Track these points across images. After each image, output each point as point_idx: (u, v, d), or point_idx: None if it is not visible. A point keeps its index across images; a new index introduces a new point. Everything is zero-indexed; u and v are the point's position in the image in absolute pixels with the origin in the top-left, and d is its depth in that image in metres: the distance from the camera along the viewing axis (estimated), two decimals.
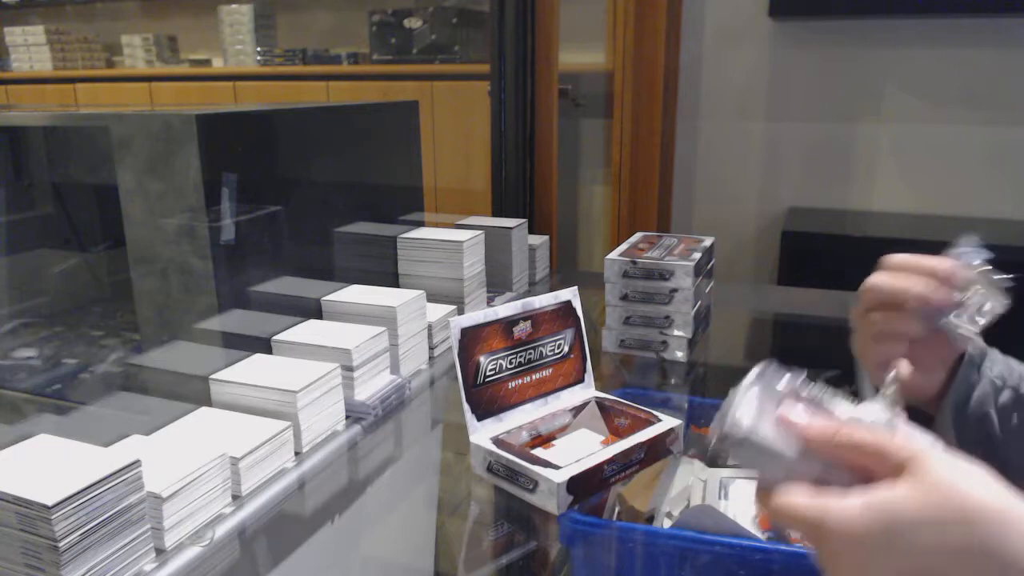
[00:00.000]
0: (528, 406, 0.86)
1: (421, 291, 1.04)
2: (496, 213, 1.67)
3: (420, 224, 1.29)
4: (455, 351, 0.80)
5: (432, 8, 2.94)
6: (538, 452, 0.82)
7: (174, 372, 0.93)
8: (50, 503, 0.54)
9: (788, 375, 0.48)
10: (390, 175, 1.28)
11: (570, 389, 0.90)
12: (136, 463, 0.61)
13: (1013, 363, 0.67)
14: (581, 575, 0.75)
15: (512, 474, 0.76)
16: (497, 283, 1.34)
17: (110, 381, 1.04)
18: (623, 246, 1.19)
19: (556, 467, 0.74)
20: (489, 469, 0.79)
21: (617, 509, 0.77)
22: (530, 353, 0.86)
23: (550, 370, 0.88)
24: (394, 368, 0.99)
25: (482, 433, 0.81)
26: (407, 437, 0.97)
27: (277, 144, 1.01)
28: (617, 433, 0.86)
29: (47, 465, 0.60)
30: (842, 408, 0.48)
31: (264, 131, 0.99)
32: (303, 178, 1.06)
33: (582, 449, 0.83)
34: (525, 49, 1.60)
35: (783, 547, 0.68)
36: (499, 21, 1.57)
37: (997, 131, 2.17)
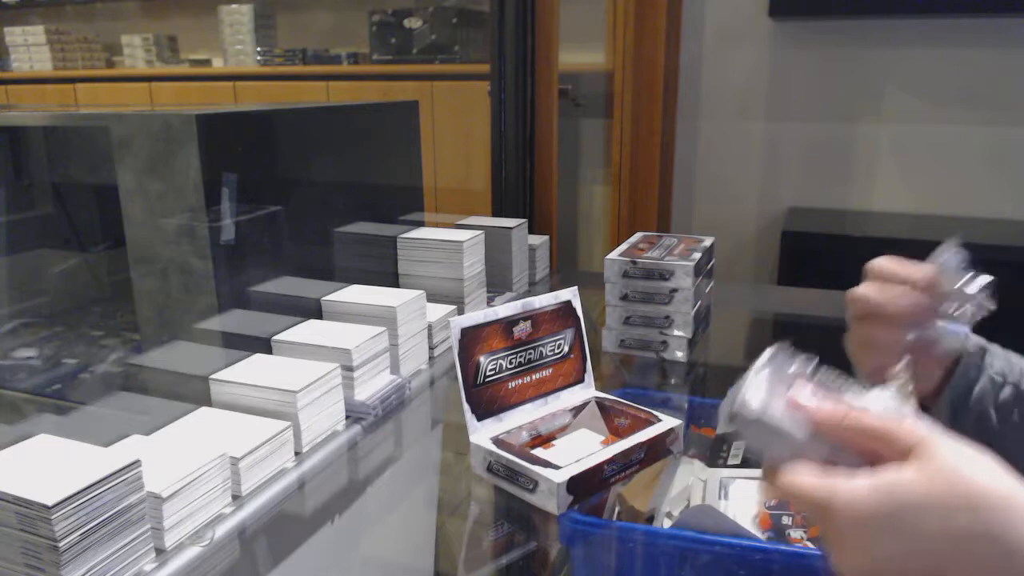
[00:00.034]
0: (528, 406, 0.86)
1: (421, 291, 1.04)
2: (496, 213, 1.67)
3: (420, 224, 1.29)
4: (455, 351, 0.80)
5: (432, 8, 2.94)
6: (538, 452, 0.82)
7: (174, 372, 0.93)
8: (50, 503, 0.54)
9: (800, 359, 0.49)
10: (390, 175, 1.28)
11: (570, 389, 0.90)
12: (136, 463, 0.61)
13: (1014, 358, 0.66)
14: (581, 575, 0.75)
15: (512, 474, 0.76)
16: (497, 283, 1.34)
17: (110, 381, 1.04)
18: (623, 246, 1.19)
19: (556, 467, 0.74)
20: (489, 469, 0.79)
21: (617, 509, 0.77)
22: (530, 353, 0.86)
23: (550, 370, 0.88)
24: (394, 368, 0.99)
25: (482, 433, 0.81)
26: (407, 437, 0.97)
27: (277, 144, 1.01)
28: (617, 433, 0.86)
29: (47, 465, 0.60)
30: (852, 394, 0.49)
31: (264, 131, 0.99)
32: (303, 178, 1.06)
33: (582, 449, 0.83)
34: (525, 49, 1.60)
35: (783, 547, 0.68)
36: (499, 21, 1.57)
37: (997, 131, 2.17)
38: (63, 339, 1.18)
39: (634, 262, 1.11)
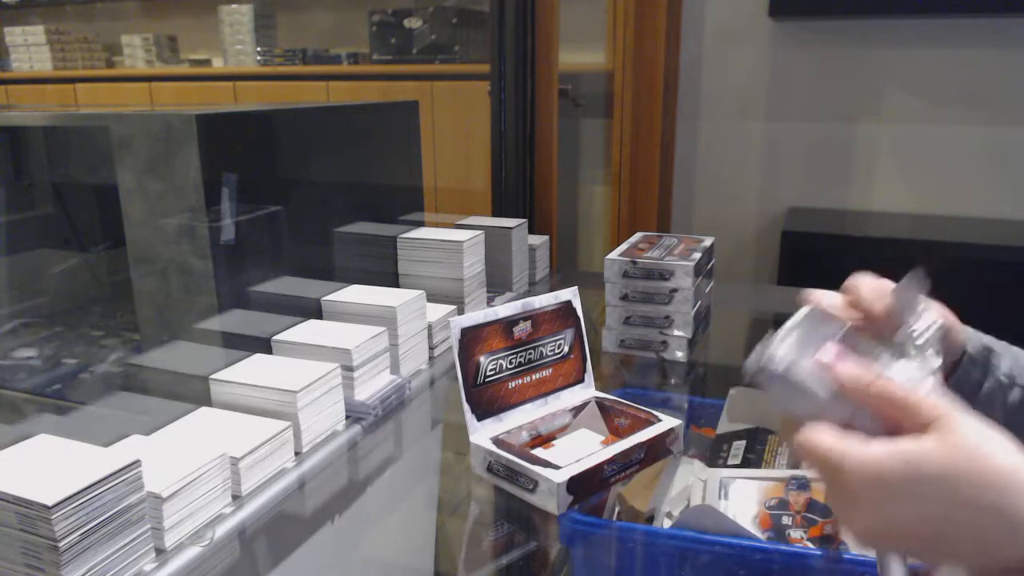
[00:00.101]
0: (528, 406, 0.86)
1: (421, 291, 1.04)
2: (496, 213, 1.67)
3: (420, 224, 1.29)
4: (455, 351, 0.80)
5: (432, 8, 2.94)
6: (538, 452, 0.82)
7: (174, 372, 0.93)
8: (50, 503, 0.54)
9: (832, 322, 0.50)
10: (390, 175, 1.28)
11: (570, 389, 0.90)
12: (136, 463, 0.61)
13: (1023, 357, 0.65)
14: (581, 575, 0.75)
15: (512, 474, 0.76)
16: (497, 283, 1.34)
17: (110, 381, 1.04)
18: (623, 246, 1.19)
19: (556, 467, 0.74)
20: (489, 469, 0.79)
21: (617, 509, 0.77)
22: (530, 353, 0.86)
23: (550, 370, 0.88)
24: (394, 368, 0.99)
25: (482, 433, 0.81)
26: (407, 437, 0.97)
27: (277, 144, 1.01)
28: (617, 433, 0.86)
29: (47, 465, 0.60)
30: (879, 362, 0.49)
31: (264, 131, 0.99)
32: (303, 178, 1.06)
33: (582, 449, 0.83)
34: (525, 49, 1.60)
35: (783, 547, 0.68)
36: (499, 21, 1.57)
37: (997, 131, 2.17)
38: (63, 339, 1.18)
39: (634, 262, 1.11)
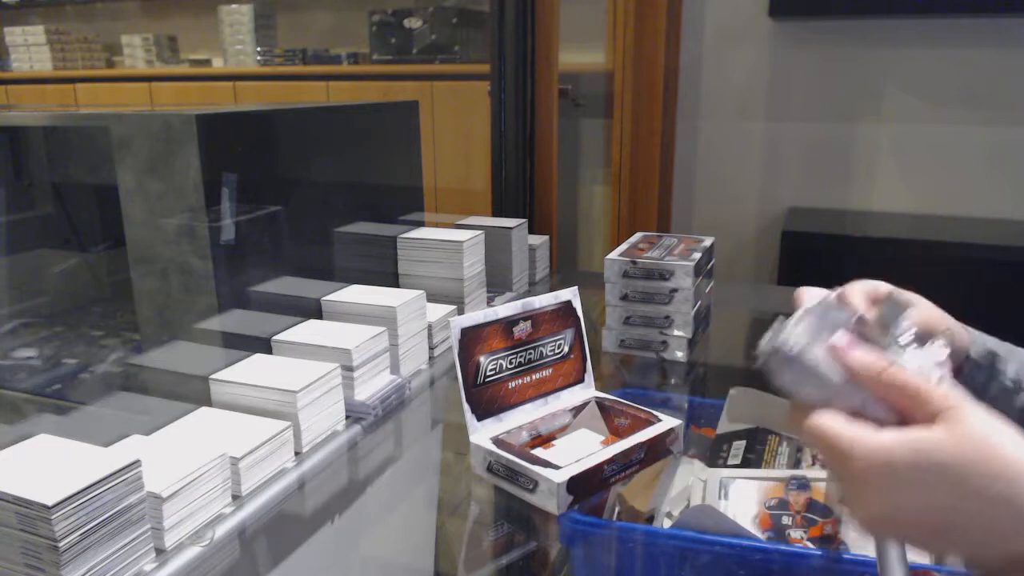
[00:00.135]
0: (528, 406, 0.86)
1: (421, 291, 1.04)
2: (496, 213, 1.67)
3: (420, 224, 1.29)
4: (455, 351, 0.80)
5: (432, 8, 2.94)
6: (538, 452, 0.82)
7: (174, 372, 0.93)
8: (50, 503, 0.54)
9: (847, 309, 0.51)
10: (390, 175, 1.28)
11: (570, 389, 0.90)
12: (136, 463, 0.61)
13: None
14: (581, 575, 0.75)
15: (512, 474, 0.76)
16: (497, 283, 1.34)
17: (110, 381, 1.04)
18: (623, 246, 1.19)
19: (556, 467, 0.74)
20: (489, 469, 0.79)
21: (617, 509, 0.77)
22: (530, 353, 0.86)
23: (550, 370, 0.88)
24: (394, 368, 0.99)
25: (482, 433, 0.81)
26: (407, 437, 0.97)
27: (277, 144, 1.01)
28: (617, 433, 0.86)
29: (47, 465, 0.60)
30: (891, 351, 0.49)
31: (264, 131, 0.99)
32: (303, 178, 1.06)
33: (582, 449, 0.83)
34: (525, 49, 1.60)
35: (783, 547, 0.68)
36: (499, 21, 1.57)
37: (997, 131, 2.17)
38: (63, 339, 1.18)
39: (634, 262, 1.11)
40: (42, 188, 1.33)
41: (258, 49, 3.30)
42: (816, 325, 0.49)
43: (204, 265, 0.88)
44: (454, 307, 1.14)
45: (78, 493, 0.56)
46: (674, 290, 1.10)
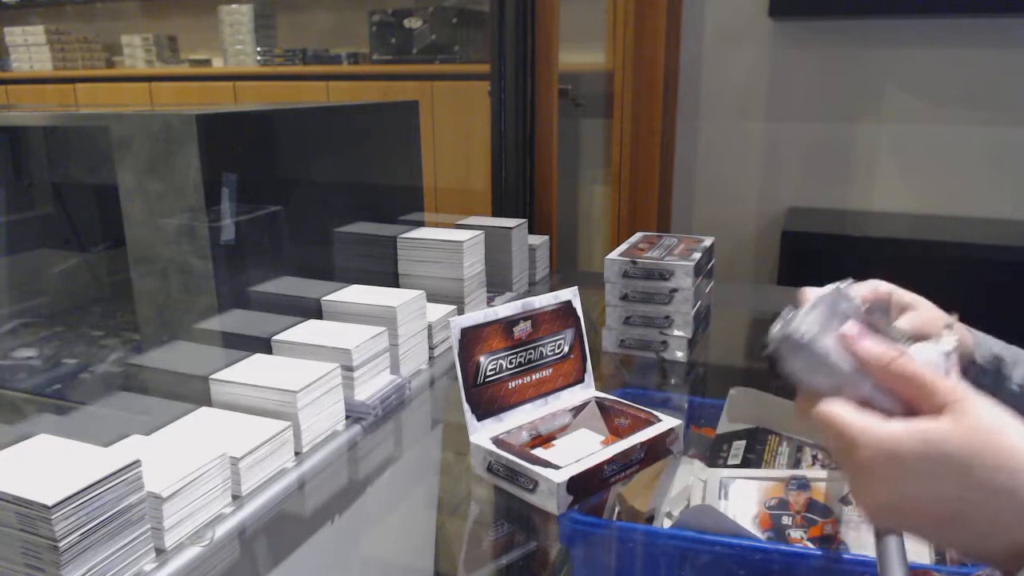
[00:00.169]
0: (528, 406, 0.86)
1: (421, 291, 1.04)
2: (496, 213, 1.67)
3: (420, 224, 1.29)
4: (455, 351, 0.80)
5: (432, 8, 2.94)
6: (538, 452, 0.82)
7: (174, 372, 0.93)
8: (50, 503, 0.54)
9: (858, 300, 0.51)
10: (390, 175, 1.28)
11: (570, 389, 0.90)
12: (136, 463, 0.61)
13: None
14: (581, 575, 0.75)
15: (512, 474, 0.76)
16: (497, 283, 1.34)
17: (110, 381, 1.04)
18: (623, 246, 1.19)
19: (556, 467, 0.74)
20: (489, 469, 0.79)
21: (617, 509, 0.77)
22: (530, 353, 0.86)
23: (550, 370, 0.88)
24: (394, 368, 0.99)
25: (482, 433, 0.81)
26: (407, 437, 0.97)
27: (277, 144, 1.01)
28: (617, 433, 0.86)
29: (47, 465, 0.60)
30: (900, 343, 0.50)
31: (264, 131, 0.99)
32: (303, 178, 1.06)
33: (582, 449, 0.83)
34: (525, 49, 1.60)
35: (783, 547, 0.68)
36: (499, 21, 1.57)
37: (997, 131, 2.17)
38: (63, 339, 1.18)
39: (634, 262, 1.11)
40: (42, 188, 1.33)
41: (258, 49, 3.30)
42: (827, 314, 0.50)
43: (204, 265, 0.88)
44: (454, 307, 1.14)
45: (78, 493, 0.56)
46: (674, 290, 1.10)
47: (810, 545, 0.69)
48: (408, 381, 0.99)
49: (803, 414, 0.49)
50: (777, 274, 2.20)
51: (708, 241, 1.22)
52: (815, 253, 2.08)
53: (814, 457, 0.83)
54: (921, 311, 0.60)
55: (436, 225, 1.29)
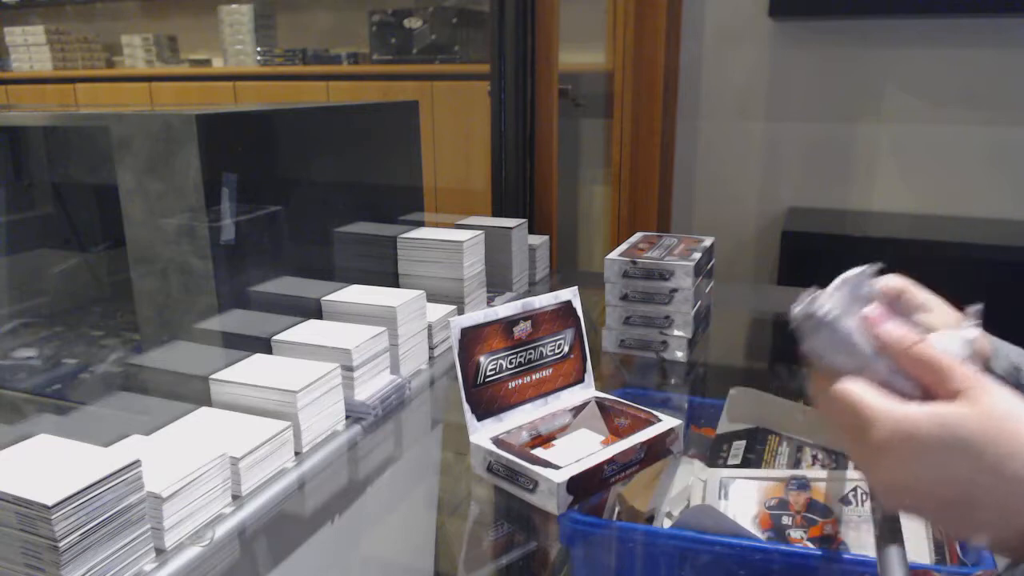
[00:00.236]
0: (528, 406, 0.86)
1: (421, 291, 1.04)
2: (496, 213, 1.67)
3: (420, 224, 1.29)
4: (455, 351, 0.80)
5: (432, 8, 2.94)
6: (538, 452, 0.82)
7: (174, 372, 0.93)
8: (50, 503, 0.54)
9: (885, 279, 0.52)
10: (390, 175, 1.28)
11: (570, 389, 0.90)
12: (136, 463, 0.61)
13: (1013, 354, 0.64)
14: (581, 575, 0.75)
15: (512, 474, 0.76)
16: (497, 283, 1.34)
17: (110, 381, 1.04)
18: (623, 246, 1.19)
19: (556, 467, 0.74)
20: (489, 469, 0.79)
21: (617, 509, 0.77)
22: (530, 353, 0.86)
23: (550, 370, 0.88)
24: (394, 368, 0.99)
25: (482, 433, 0.81)
26: (407, 437, 0.97)
27: (277, 144, 1.01)
28: (617, 433, 0.86)
29: (47, 465, 0.60)
30: (922, 329, 0.50)
31: (264, 131, 0.99)
32: (303, 178, 1.06)
33: (582, 449, 0.83)
34: (525, 49, 1.60)
35: (783, 547, 0.68)
36: (499, 21, 1.57)
37: (997, 131, 2.17)
38: (63, 339, 1.18)
39: (634, 262, 1.11)
40: (42, 188, 1.33)
41: (258, 49, 3.30)
42: (851, 295, 0.50)
43: (204, 265, 0.88)
44: (454, 307, 1.14)
45: (78, 493, 0.56)
46: (674, 290, 1.10)
47: (810, 545, 0.69)
48: (408, 381, 0.99)
49: (821, 392, 0.50)
50: (777, 274, 2.21)
51: (708, 241, 1.22)
52: (815, 253, 2.08)
53: (814, 457, 0.83)
54: (935, 313, 0.60)
55: (436, 225, 1.29)
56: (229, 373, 0.85)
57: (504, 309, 0.84)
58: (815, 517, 0.72)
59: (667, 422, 0.82)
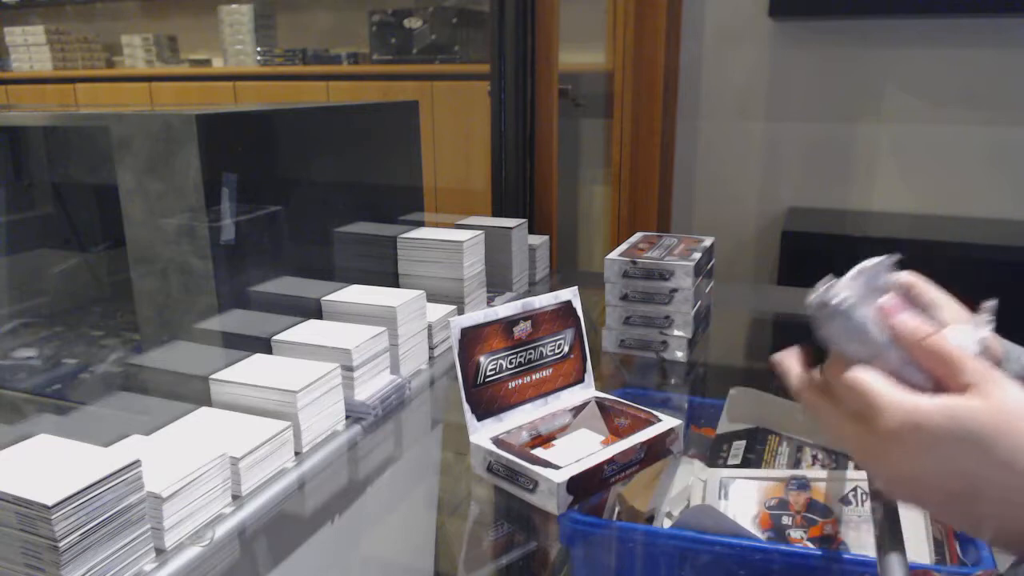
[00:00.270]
0: (528, 406, 0.86)
1: (421, 291, 1.04)
2: (496, 213, 1.67)
3: (420, 224, 1.29)
4: (455, 351, 0.80)
5: (432, 8, 2.94)
6: (538, 452, 0.82)
7: (174, 372, 0.93)
8: (50, 503, 0.54)
9: (897, 275, 0.52)
10: (390, 175, 1.28)
11: (570, 389, 0.90)
12: (136, 463, 0.61)
13: None
14: (581, 575, 0.75)
15: (512, 474, 0.76)
16: (497, 283, 1.34)
17: (110, 381, 1.04)
18: (623, 246, 1.19)
19: (556, 467, 0.74)
20: (489, 469, 0.79)
21: (617, 509, 0.77)
22: (530, 353, 0.86)
23: (550, 370, 0.88)
24: (394, 368, 0.99)
25: (482, 433, 0.81)
26: (407, 437, 0.97)
27: (277, 144, 1.01)
28: (617, 433, 0.86)
29: (47, 465, 0.60)
30: (937, 322, 0.51)
31: (264, 131, 0.99)
32: (303, 178, 1.06)
33: (582, 449, 0.83)
34: (525, 49, 1.60)
35: (783, 547, 0.68)
36: (499, 21, 1.57)
37: (997, 131, 2.17)
38: (63, 339, 1.18)
39: (634, 262, 1.11)
40: (42, 188, 1.33)
41: (258, 49, 3.30)
42: (867, 285, 0.50)
43: (204, 265, 0.88)
44: (454, 307, 1.14)
45: (78, 493, 0.56)
46: (674, 290, 1.10)
47: (810, 545, 0.69)
48: (408, 381, 0.99)
49: (832, 379, 0.50)
50: (777, 274, 2.21)
51: (708, 241, 1.22)
52: (815, 253, 2.08)
53: (814, 457, 0.83)
54: (944, 310, 0.60)
55: (436, 225, 1.29)
56: (229, 373, 0.85)
57: (504, 309, 0.84)
58: (815, 517, 0.72)
59: (667, 422, 0.82)
